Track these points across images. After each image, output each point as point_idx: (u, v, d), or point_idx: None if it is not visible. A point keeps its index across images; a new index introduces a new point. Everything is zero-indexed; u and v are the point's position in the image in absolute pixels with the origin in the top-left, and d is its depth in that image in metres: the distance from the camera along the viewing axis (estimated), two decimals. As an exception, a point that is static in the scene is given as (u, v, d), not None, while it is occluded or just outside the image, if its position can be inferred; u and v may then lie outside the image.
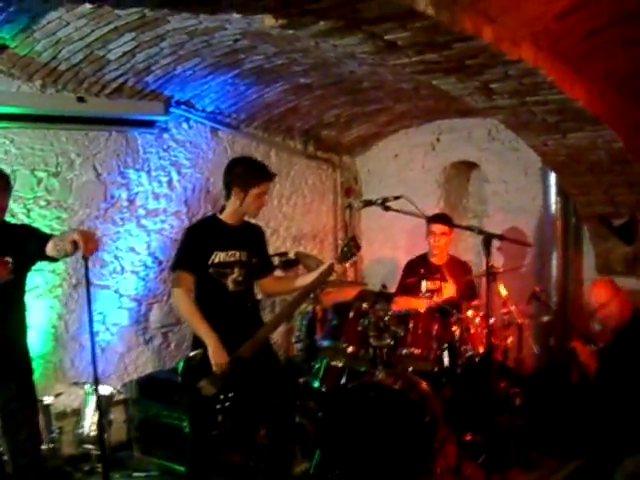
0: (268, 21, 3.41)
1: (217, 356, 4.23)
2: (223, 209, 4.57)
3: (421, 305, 5.65)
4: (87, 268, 3.49)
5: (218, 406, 4.29)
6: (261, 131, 6.93)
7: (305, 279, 4.66)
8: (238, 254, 4.49)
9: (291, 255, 6.34)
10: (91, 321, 3.57)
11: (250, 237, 4.65)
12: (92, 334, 3.59)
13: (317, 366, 5.54)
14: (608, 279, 4.96)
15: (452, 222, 6.08)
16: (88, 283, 3.53)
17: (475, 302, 5.89)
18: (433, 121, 7.54)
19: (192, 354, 4.34)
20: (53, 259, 3.69)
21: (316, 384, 5.51)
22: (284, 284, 4.93)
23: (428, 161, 7.70)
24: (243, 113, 6.51)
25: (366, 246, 8.03)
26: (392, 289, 6.42)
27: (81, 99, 5.35)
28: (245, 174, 4.46)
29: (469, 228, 4.76)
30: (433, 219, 5.66)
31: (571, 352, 4.48)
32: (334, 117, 6.99)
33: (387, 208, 4.51)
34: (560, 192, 6.41)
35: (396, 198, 4.51)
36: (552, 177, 6.40)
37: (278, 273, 6.12)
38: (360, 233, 8.12)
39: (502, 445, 5.27)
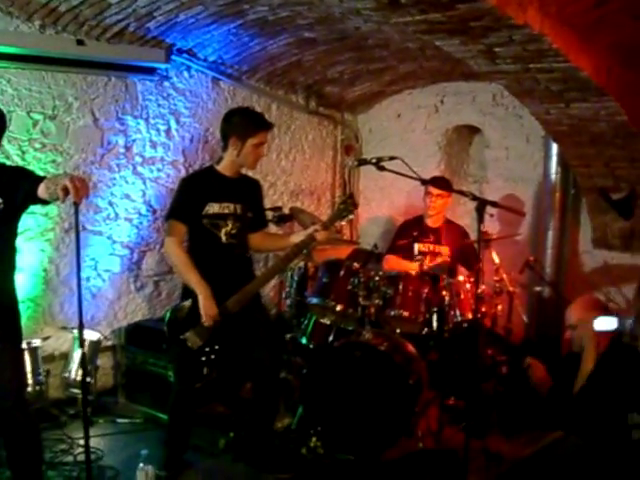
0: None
1: (208, 307, 4.25)
2: (220, 160, 4.56)
3: (411, 267, 5.66)
4: (77, 214, 3.47)
5: (203, 358, 4.32)
6: (263, 84, 6.87)
7: (293, 239, 4.66)
8: (232, 207, 4.49)
9: (286, 210, 6.34)
10: (79, 267, 3.54)
11: (246, 191, 4.64)
12: (79, 280, 3.57)
13: (305, 322, 5.58)
14: (589, 298, 4.56)
15: (449, 185, 6.05)
16: (78, 230, 3.51)
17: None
18: (438, 83, 7.47)
19: (179, 305, 4.36)
20: (45, 202, 3.66)
21: (304, 340, 5.56)
22: (272, 241, 4.93)
23: (431, 123, 7.65)
24: (245, 64, 6.44)
25: (363, 205, 8.03)
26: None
27: (81, 42, 5.28)
28: (243, 123, 4.45)
29: (462, 193, 4.71)
30: (430, 181, 5.63)
31: (525, 369, 4.37)
32: (338, 73, 6.91)
33: (382, 168, 4.47)
34: (561, 162, 6.37)
35: (391, 159, 4.47)
36: (554, 147, 6.36)
37: (272, 227, 6.13)
38: (358, 192, 8.10)
39: (485, 412, 5.31)
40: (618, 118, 5.18)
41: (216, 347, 4.31)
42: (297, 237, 4.63)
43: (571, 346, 4.16)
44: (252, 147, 4.44)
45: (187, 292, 4.38)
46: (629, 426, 3.17)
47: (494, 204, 4.48)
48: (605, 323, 3.79)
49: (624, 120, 5.17)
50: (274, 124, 4.65)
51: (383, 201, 7.96)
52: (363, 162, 4.87)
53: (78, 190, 3.36)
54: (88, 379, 5.31)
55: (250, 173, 4.78)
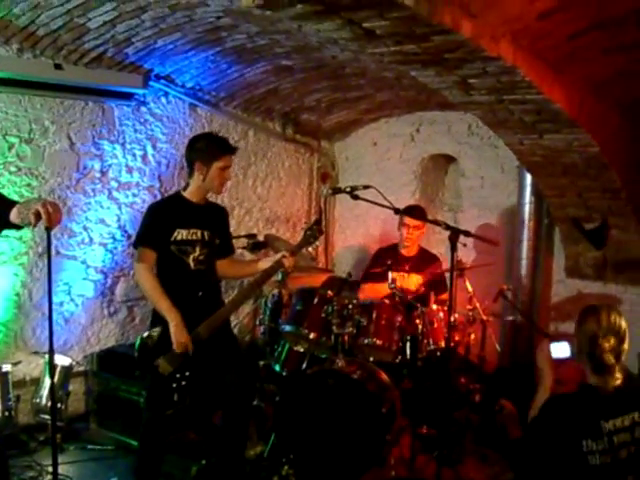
0: (245, 1, 3.37)
1: (179, 334, 4.22)
2: (187, 187, 4.56)
3: (386, 290, 5.66)
4: (50, 239, 3.44)
5: (174, 385, 4.28)
6: (240, 110, 6.89)
7: (261, 265, 4.67)
8: (200, 233, 4.48)
9: (261, 237, 6.34)
10: (50, 292, 3.52)
11: (213, 217, 4.64)
12: (50, 305, 3.54)
13: (279, 350, 5.55)
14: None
15: (425, 215, 6.07)
16: (50, 254, 3.48)
17: (444, 296, 5.92)
18: (414, 112, 7.52)
19: (150, 332, 4.33)
20: (18, 227, 3.62)
21: (277, 367, 5.53)
22: (240, 268, 4.92)
23: (406, 152, 7.69)
24: (223, 91, 6.46)
25: (338, 232, 8.07)
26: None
27: (58, 66, 5.29)
28: (207, 148, 4.46)
29: (436, 222, 4.74)
30: (406, 212, 5.65)
31: (497, 411, 4.34)
32: (315, 101, 6.95)
33: (356, 197, 4.50)
34: (535, 192, 6.41)
35: (365, 188, 4.50)
36: (528, 177, 6.39)
37: (247, 255, 6.13)
38: (334, 219, 8.13)
39: (457, 440, 5.30)
40: (590, 149, 5.22)
41: (187, 374, 4.27)
42: (265, 263, 4.64)
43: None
44: (217, 171, 4.44)
45: (157, 318, 4.35)
46: (584, 453, 3.16)
47: (467, 234, 4.50)
48: (559, 349, 3.78)
49: (596, 151, 5.22)
50: (238, 147, 4.64)
51: (358, 229, 7.98)
52: (337, 191, 4.89)
53: (50, 215, 3.34)
54: (59, 405, 5.27)
55: (223, 200, 4.79)
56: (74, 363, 5.56)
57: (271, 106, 7.00)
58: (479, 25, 3.73)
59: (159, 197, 6.18)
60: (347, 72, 6.02)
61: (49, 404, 5.22)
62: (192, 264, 4.43)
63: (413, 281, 6.07)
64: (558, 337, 4.36)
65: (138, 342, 4.35)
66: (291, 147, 7.67)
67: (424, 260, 6.29)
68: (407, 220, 6.12)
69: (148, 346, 4.30)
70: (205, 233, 4.51)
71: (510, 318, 6.40)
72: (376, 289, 5.98)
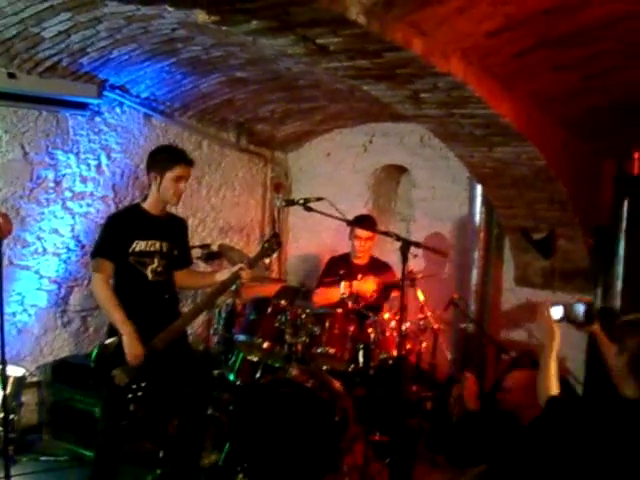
0: (201, 17, 3.43)
1: (132, 347, 4.24)
2: (146, 198, 4.59)
3: (338, 293, 5.75)
4: (0, 250, 3.46)
5: (130, 395, 4.31)
6: (195, 121, 6.92)
7: (218, 277, 4.71)
8: (159, 244, 4.51)
9: (214, 247, 6.37)
10: (2, 302, 3.54)
11: (172, 229, 4.67)
12: (2, 315, 3.56)
13: (233, 359, 5.59)
14: (529, 374, 4.23)
15: (375, 226, 6.15)
16: (0, 266, 3.50)
17: (395, 293, 5.98)
18: (367, 123, 7.60)
19: (106, 342, 4.34)
20: None
21: (231, 377, 5.56)
22: (197, 279, 4.97)
23: (359, 162, 7.77)
24: (178, 102, 6.49)
25: (292, 242, 8.11)
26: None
27: (12, 75, 5.26)
28: (161, 159, 4.52)
29: (387, 234, 4.84)
30: (358, 223, 5.71)
31: (458, 381, 4.45)
32: (269, 112, 7.01)
33: (309, 209, 4.57)
34: (485, 203, 6.51)
35: (318, 199, 4.58)
36: (478, 187, 6.50)
37: (200, 265, 6.15)
38: (287, 229, 8.17)
39: (409, 447, 5.38)
40: (537, 162, 5.35)
41: (143, 384, 4.30)
42: (222, 275, 4.68)
43: (503, 405, 4.21)
44: (171, 181, 4.47)
45: (113, 329, 4.36)
46: None
47: (417, 245, 4.60)
48: (556, 313, 3.83)
49: (543, 164, 5.35)
50: (193, 160, 4.66)
51: (311, 239, 8.02)
52: (290, 203, 4.95)
53: (1, 227, 3.37)
54: (11, 416, 5.21)
55: (177, 210, 4.81)
56: (27, 374, 5.53)
57: (225, 116, 7.04)
58: (430, 42, 3.83)
59: (113, 207, 6.18)
60: (301, 84, 6.09)
61: (1, 415, 5.18)
62: (150, 275, 4.46)
63: (369, 285, 6.10)
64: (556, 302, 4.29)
65: (95, 352, 4.36)
66: (245, 157, 7.71)
67: (376, 269, 6.35)
68: (358, 232, 6.19)
69: (105, 356, 4.31)
70: (163, 245, 4.54)
71: (461, 326, 6.49)
72: (330, 293, 6.03)
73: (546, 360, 3.71)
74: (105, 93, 5.90)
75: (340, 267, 6.11)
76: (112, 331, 4.37)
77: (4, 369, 3.62)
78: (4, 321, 3.58)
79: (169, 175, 4.46)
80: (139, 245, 4.43)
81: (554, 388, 3.64)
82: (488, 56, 4.20)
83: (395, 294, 6.03)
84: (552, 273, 6.49)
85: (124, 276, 4.45)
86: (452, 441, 4.61)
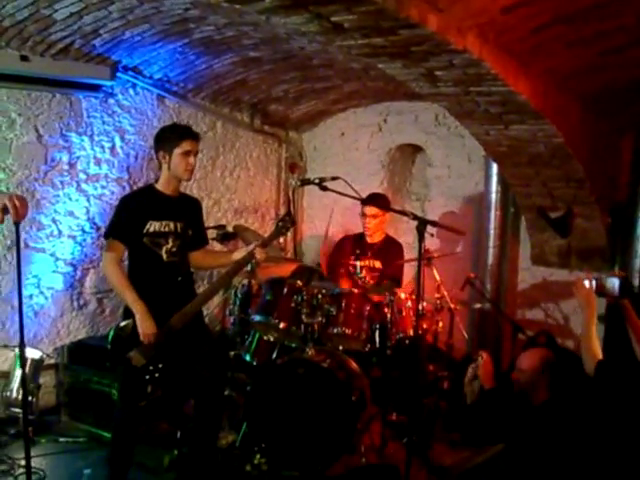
0: (214, -5, 3.41)
1: (145, 326, 4.25)
2: (158, 179, 4.58)
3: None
4: (18, 233, 3.47)
5: (147, 377, 4.31)
6: (208, 102, 6.92)
7: (234, 256, 4.70)
8: (173, 225, 4.50)
9: (230, 228, 6.37)
10: (20, 286, 3.54)
11: (186, 209, 4.66)
12: (20, 298, 3.57)
13: (249, 340, 5.60)
14: (540, 352, 4.32)
15: (386, 204, 6.13)
16: (19, 249, 3.51)
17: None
18: (381, 102, 7.59)
19: (123, 324, 4.34)
20: None
21: (247, 357, 5.58)
22: (213, 259, 4.95)
23: (374, 142, 7.76)
24: (191, 83, 6.48)
25: (307, 222, 8.12)
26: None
27: (25, 58, 5.27)
28: (167, 137, 4.51)
29: (403, 212, 4.81)
30: (365, 200, 5.70)
31: (474, 359, 4.46)
32: (282, 92, 6.99)
33: (324, 188, 4.53)
34: (501, 181, 6.49)
35: (333, 179, 4.54)
36: (494, 166, 6.47)
37: (216, 245, 6.15)
38: (302, 209, 8.18)
39: (426, 427, 5.39)
40: (555, 140, 5.31)
41: (160, 365, 4.30)
42: (237, 254, 4.68)
43: (515, 386, 4.21)
44: (180, 157, 4.45)
45: (129, 311, 4.36)
46: None
47: (434, 224, 4.57)
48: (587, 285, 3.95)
49: (560, 142, 5.31)
50: (199, 134, 4.65)
51: (326, 219, 8.02)
52: (306, 182, 4.92)
53: (17, 210, 3.37)
54: (30, 398, 5.25)
55: (191, 190, 4.80)
56: (44, 356, 5.55)
57: (239, 97, 7.03)
58: (445, 19, 3.80)
59: (128, 189, 6.19)
60: (315, 63, 6.07)
61: (20, 397, 5.22)
62: (165, 256, 4.46)
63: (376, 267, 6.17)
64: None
65: (111, 334, 4.37)
66: (259, 138, 7.71)
67: (387, 248, 6.35)
68: (365, 209, 6.21)
69: (121, 338, 4.32)
70: (178, 225, 4.53)
71: (477, 306, 6.47)
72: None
73: (588, 328, 3.88)
74: (118, 75, 5.89)
75: (354, 246, 6.11)
76: (128, 312, 4.37)
77: (23, 351, 3.63)
78: (22, 304, 3.58)
79: (177, 151, 4.44)
80: (153, 226, 4.43)
81: (599, 353, 3.74)
82: (504, 33, 4.16)
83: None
84: (569, 252, 6.47)
85: (139, 257, 4.46)
86: (469, 420, 4.61)
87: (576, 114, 5.54)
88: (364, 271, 6.12)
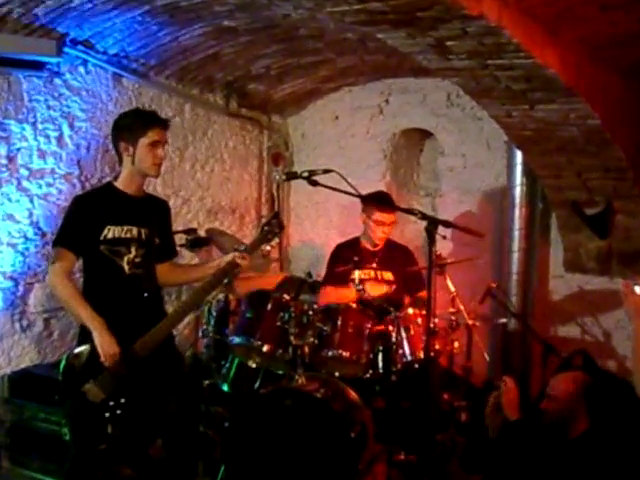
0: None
1: (105, 345, 4.22)
2: (118, 176, 4.59)
3: (349, 295, 5.74)
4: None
5: (107, 414, 4.31)
6: (174, 81, 6.92)
7: (209, 269, 4.72)
8: (136, 231, 4.50)
9: (202, 232, 6.37)
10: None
11: (152, 212, 4.67)
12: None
13: (227, 366, 5.61)
14: (576, 375, 4.30)
15: (394, 205, 6.14)
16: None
17: (422, 293, 6.00)
18: (382, 79, 7.61)
19: (77, 350, 4.34)
20: None
21: (225, 387, 5.58)
22: (183, 273, 4.96)
23: (374, 127, 7.78)
24: (153, 58, 6.47)
25: (295, 224, 8.13)
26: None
27: (-47, 31, 5.29)
28: (130, 124, 4.50)
29: (409, 211, 4.83)
30: (376, 201, 5.69)
31: (497, 386, 4.48)
32: (263, 69, 7.00)
33: (314, 183, 4.54)
34: (527, 172, 6.52)
35: (325, 172, 4.55)
36: (518, 154, 6.50)
37: (185, 254, 6.15)
38: (289, 208, 8.20)
39: (441, 467, 5.40)
40: (590, 122, 5.34)
41: (122, 400, 4.30)
42: (214, 266, 4.68)
43: (546, 417, 4.21)
44: (146, 148, 4.45)
45: (84, 334, 4.35)
46: None
47: (447, 224, 4.59)
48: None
49: (597, 124, 5.33)
50: (168, 120, 4.66)
51: (318, 219, 8.04)
52: (293, 176, 4.92)
53: None
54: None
55: (156, 189, 4.80)
56: (-20, 389, 5.56)
57: (211, 75, 7.03)
58: (457, -22, 3.83)
59: (79, 187, 6.17)
60: (301, 34, 6.08)
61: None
62: (127, 268, 4.45)
63: (381, 286, 6.11)
64: None
65: (63, 363, 4.36)
66: (236, 124, 7.72)
67: (393, 253, 6.35)
68: (379, 216, 6.12)
69: (75, 368, 4.31)
70: (142, 231, 4.53)
71: (501, 321, 6.49)
72: (340, 294, 6.02)
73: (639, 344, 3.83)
74: (65, 50, 5.87)
75: (351, 253, 6.08)
76: (84, 336, 4.36)
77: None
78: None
79: (143, 142, 4.44)
80: (112, 231, 4.43)
81: None
82: (528, -6, 4.19)
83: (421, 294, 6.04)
84: (609, 256, 6.49)
85: (95, 270, 4.46)
86: (491, 459, 4.63)
87: (615, 91, 5.57)
88: (368, 284, 6.09)
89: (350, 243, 6.50)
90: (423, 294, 5.85)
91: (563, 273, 6.83)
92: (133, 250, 4.48)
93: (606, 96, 5.39)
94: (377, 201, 5.92)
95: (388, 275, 6.23)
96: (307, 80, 7.47)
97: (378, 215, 6.13)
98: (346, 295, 5.86)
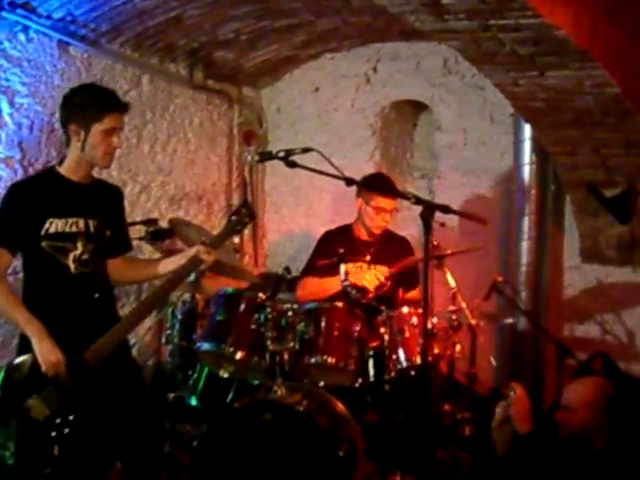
0: None
1: (45, 352, 4.19)
2: (63, 160, 4.54)
3: (336, 286, 5.75)
4: None
5: (53, 433, 4.28)
6: (129, 49, 6.88)
7: (170, 264, 4.68)
8: (83, 223, 4.46)
9: (164, 223, 6.34)
10: None
11: (102, 200, 4.63)
12: None
13: (195, 377, 5.60)
14: (596, 382, 4.36)
15: (395, 187, 6.14)
16: None
17: (415, 293, 6.00)
18: (369, 44, 7.60)
19: (17, 361, 4.31)
20: None
21: (193, 401, 5.57)
22: (140, 268, 4.94)
23: (360, 99, 7.78)
24: (105, 23, 6.43)
25: (271, 213, 8.10)
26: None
27: None
28: (85, 105, 4.43)
29: (403, 196, 4.82)
30: (379, 189, 5.67)
31: (505, 395, 4.48)
32: (232, 33, 6.98)
33: (293, 164, 4.51)
34: (537, 149, 6.52)
35: (305, 151, 4.52)
36: (526, 128, 6.51)
37: (145, 247, 6.13)
38: (264, 194, 8.19)
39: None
40: (608, 90, 5.34)
41: (70, 417, 4.28)
42: (175, 262, 4.66)
43: (561, 430, 4.21)
44: (100, 135, 4.40)
45: (25, 342, 4.32)
46: None
47: (445, 209, 4.56)
48: None
49: (616, 92, 5.33)
50: (129, 103, 4.60)
51: (298, 207, 8.04)
52: (267, 157, 4.89)
53: None
54: None
55: (109, 173, 4.76)
56: None
57: (172, 41, 7.00)
58: None
59: (21, 173, 6.13)
60: (276, -8, 6.08)
61: None
62: (73, 266, 4.41)
63: (371, 276, 6.08)
64: None
65: (2, 376, 4.33)
66: (202, 97, 7.70)
67: (390, 244, 6.34)
68: (380, 201, 6.09)
69: (15, 381, 4.28)
70: (90, 223, 4.49)
71: (508, 321, 6.49)
72: (323, 284, 6.01)
73: None
74: (2, 14, 5.85)
75: (339, 244, 6.06)
76: (24, 344, 4.33)
77: None
78: None
79: (97, 128, 4.40)
80: (55, 225, 4.38)
81: None
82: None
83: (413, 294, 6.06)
84: (632, 243, 6.50)
85: (36, 269, 4.43)
86: (500, 478, 4.64)
87: (637, 54, 5.56)
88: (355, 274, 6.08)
89: (341, 231, 6.49)
90: (416, 294, 5.88)
91: (579, 264, 6.85)
92: (80, 246, 4.44)
93: (626, 60, 5.39)
94: (377, 184, 5.89)
95: (383, 270, 6.21)
96: (282, 46, 7.46)
97: (379, 201, 6.10)
98: (328, 286, 5.84)
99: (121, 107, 4.50)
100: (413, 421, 5.56)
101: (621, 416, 4.00)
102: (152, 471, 4.68)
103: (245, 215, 4.74)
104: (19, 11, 5.93)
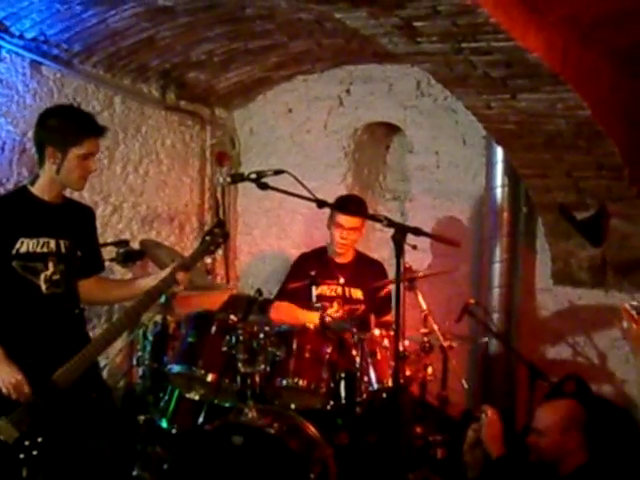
0: None
1: (4, 374, 4.15)
2: (36, 179, 4.52)
3: (311, 319, 5.70)
4: None
5: (22, 455, 4.25)
6: (102, 69, 6.87)
7: (142, 285, 4.67)
8: (54, 243, 4.43)
9: (135, 244, 6.33)
10: None
11: (73, 221, 4.61)
12: None
13: (165, 399, 5.57)
14: (566, 404, 4.42)
15: (365, 209, 6.14)
16: None
17: (388, 317, 5.99)
18: (342, 66, 7.62)
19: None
20: None
21: (164, 423, 5.54)
22: (112, 289, 4.92)
23: (333, 121, 7.78)
24: (78, 43, 6.43)
25: (243, 234, 8.08)
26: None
27: None
28: (63, 128, 4.41)
29: (375, 218, 4.82)
30: (336, 206, 5.67)
31: (476, 418, 4.49)
32: (205, 55, 6.98)
33: (264, 186, 4.52)
34: (509, 172, 6.54)
35: (277, 173, 4.53)
36: (499, 151, 6.52)
37: (117, 269, 6.10)
38: (236, 215, 8.18)
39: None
40: (580, 113, 5.36)
41: (39, 440, 4.24)
42: (147, 282, 4.64)
43: (532, 453, 4.21)
44: (77, 160, 4.38)
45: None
46: None
47: (417, 232, 4.57)
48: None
49: (587, 115, 5.36)
50: (107, 128, 4.59)
51: (270, 228, 8.03)
52: (239, 178, 4.91)
53: None
54: None
55: (81, 194, 4.75)
56: None
57: (145, 62, 6.99)
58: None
59: (-8, 193, 6.13)
60: (249, 14, 6.08)
61: None
62: (44, 286, 4.38)
63: (354, 298, 6.09)
64: None
65: (-32, 397, 4.31)
66: (174, 118, 7.70)
67: (363, 267, 6.34)
68: (340, 219, 6.17)
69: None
70: (61, 243, 4.47)
71: (481, 342, 6.49)
72: (297, 314, 6.00)
73: None
74: (-27, 34, 5.85)
75: (312, 266, 6.07)
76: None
77: None
78: None
79: (75, 152, 4.37)
80: (26, 245, 4.36)
81: None
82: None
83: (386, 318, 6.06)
84: (603, 266, 6.52)
85: (6, 289, 4.37)
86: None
87: (608, 78, 5.60)
88: (334, 302, 6.08)
89: (316, 253, 6.51)
90: (389, 318, 5.87)
91: (551, 286, 6.86)
92: (51, 266, 4.41)
93: (597, 84, 5.42)
94: (336, 203, 5.89)
95: (357, 293, 6.24)
96: (255, 67, 7.46)
97: (339, 217, 6.19)
98: (306, 318, 5.83)
99: (99, 132, 4.49)
100: (385, 443, 5.53)
101: (596, 437, 4.01)
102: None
103: (219, 235, 4.72)
104: (-9, 31, 5.94)
